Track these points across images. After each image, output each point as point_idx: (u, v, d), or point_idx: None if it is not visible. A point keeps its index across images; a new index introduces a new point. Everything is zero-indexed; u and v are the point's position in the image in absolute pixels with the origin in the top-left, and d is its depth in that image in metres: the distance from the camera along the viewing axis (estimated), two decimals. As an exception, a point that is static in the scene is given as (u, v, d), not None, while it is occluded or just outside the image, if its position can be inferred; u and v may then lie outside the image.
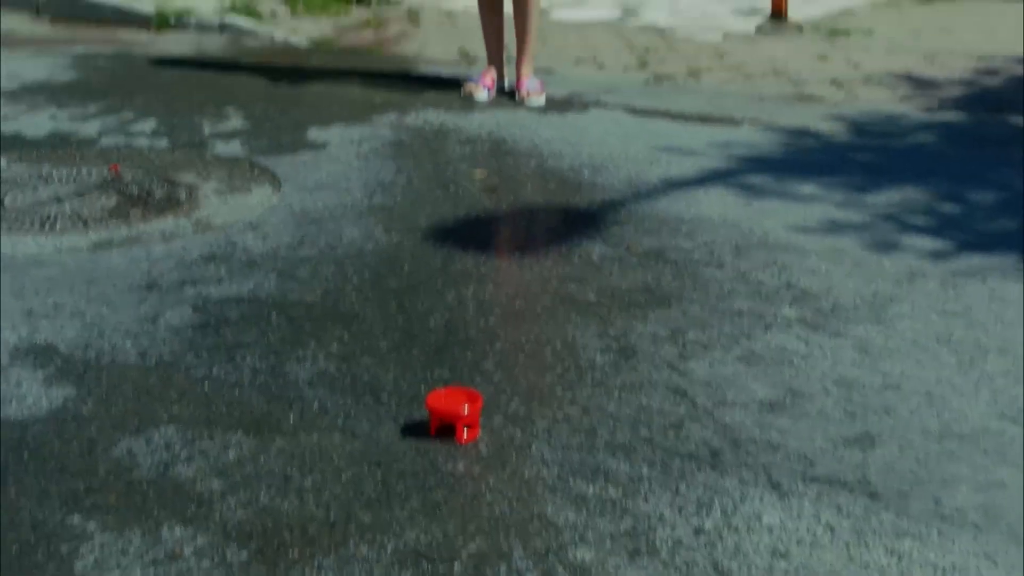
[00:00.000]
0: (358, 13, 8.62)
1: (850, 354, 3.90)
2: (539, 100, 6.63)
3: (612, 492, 3.15)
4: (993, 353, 3.91)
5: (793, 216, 5.09)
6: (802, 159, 5.87)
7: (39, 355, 3.85)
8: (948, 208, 5.25)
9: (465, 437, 3.36)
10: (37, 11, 8.82)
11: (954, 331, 4.06)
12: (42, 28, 8.57)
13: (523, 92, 6.66)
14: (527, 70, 6.74)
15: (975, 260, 4.66)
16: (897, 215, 5.14)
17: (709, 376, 3.76)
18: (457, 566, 2.86)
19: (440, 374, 3.74)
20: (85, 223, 4.94)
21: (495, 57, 6.84)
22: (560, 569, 2.85)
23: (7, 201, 5.15)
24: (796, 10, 8.79)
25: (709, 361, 3.85)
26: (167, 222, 4.97)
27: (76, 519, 3.02)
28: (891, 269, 4.57)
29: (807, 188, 5.43)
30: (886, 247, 4.78)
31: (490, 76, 6.80)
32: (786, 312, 4.19)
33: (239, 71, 7.35)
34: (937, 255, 4.71)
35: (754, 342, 3.97)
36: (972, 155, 6.00)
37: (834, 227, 4.99)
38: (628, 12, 9.16)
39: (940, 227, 5.01)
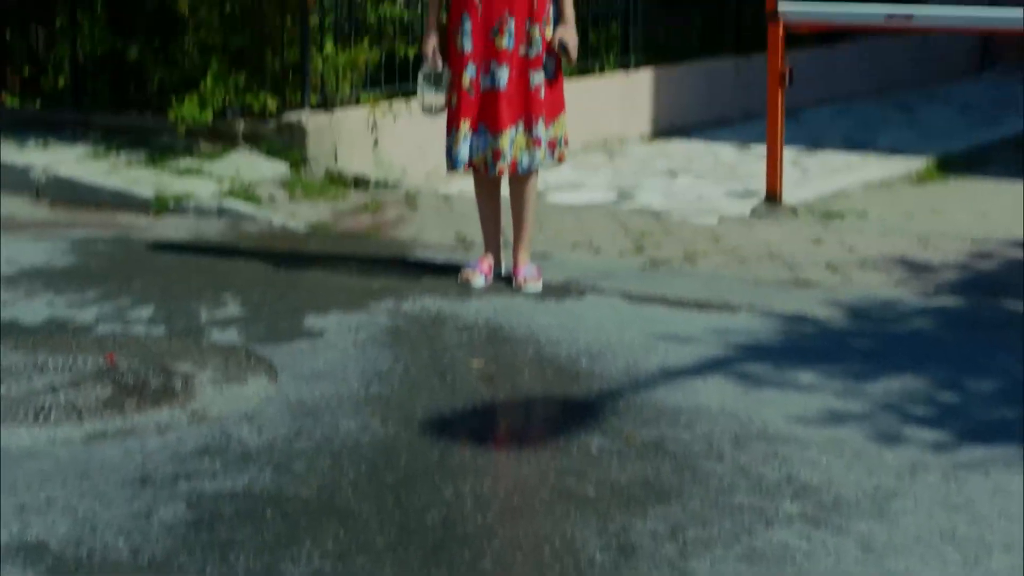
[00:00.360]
0: (356, 197, 8.68)
1: (853, 551, 3.85)
2: (536, 287, 6.65)
3: None
4: (998, 550, 3.86)
5: (792, 406, 5.07)
6: (800, 346, 5.87)
7: (30, 553, 3.80)
8: (948, 397, 5.23)
9: None
10: (37, 194, 8.88)
11: (957, 526, 4.01)
12: (42, 211, 8.63)
13: (520, 279, 6.68)
14: (524, 257, 6.77)
15: (977, 452, 4.63)
16: (897, 404, 5.12)
17: (710, 575, 3.70)
18: None
19: (438, 574, 3.68)
20: (79, 414, 4.92)
21: (492, 244, 6.88)
22: None
23: (2, 391, 5.13)
24: (790, 193, 8.87)
25: (711, 560, 3.80)
26: (162, 413, 4.94)
27: None
28: (892, 461, 4.53)
29: (806, 377, 5.42)
30: (887, 438, 4.75)
31: (487, 262, 6.82)
32: (787, 507, 4.15)
33: (237, 256, 7.38)
34: (938, 447, 4.68)
35: (755, 539, 3.93)
36: (970, 341, 6.01)
37: (834, 417, 4.97)
38: (623, 195, 9.24)
39: (940, 417, 4.99)
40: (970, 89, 15.13)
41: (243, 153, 9.13)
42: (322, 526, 3.97)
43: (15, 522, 3.99)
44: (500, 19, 6.53)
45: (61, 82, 10.30)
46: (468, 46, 6.57)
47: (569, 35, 6.60)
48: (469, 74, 6.58)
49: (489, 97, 6.59)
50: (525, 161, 6.63)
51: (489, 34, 6.55)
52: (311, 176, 8.99)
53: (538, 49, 6.56)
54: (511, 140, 6.59)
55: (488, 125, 6.59)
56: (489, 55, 6.56)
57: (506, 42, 6.55)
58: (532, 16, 6.56)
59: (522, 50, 6.56)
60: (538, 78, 6.59)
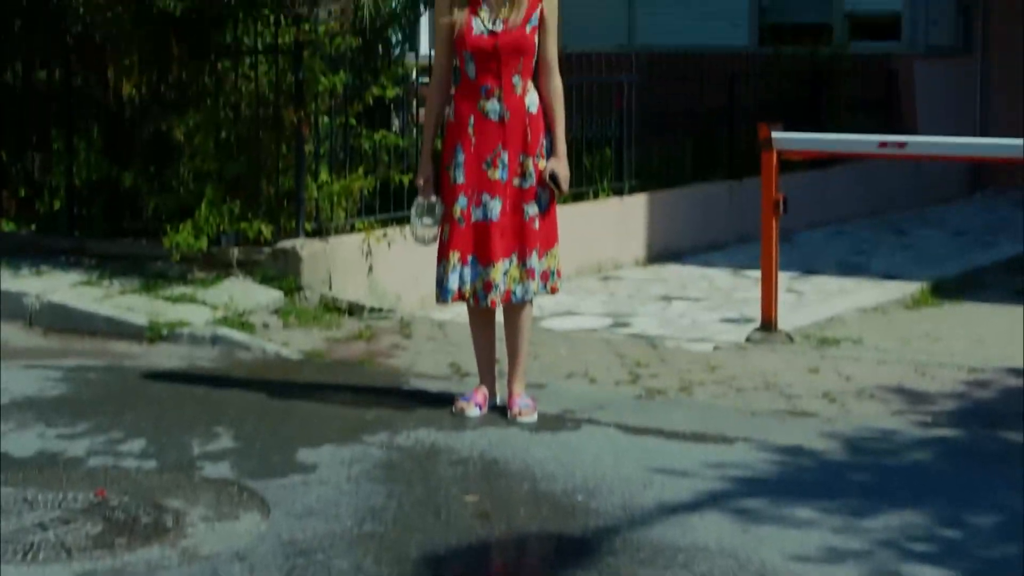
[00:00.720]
0: (350, 324, 8.66)
1: None
2: (531, 418, 6.61)
3: None
4: None
5: (790, 543, 5.01)
6: (798, 480, 5.82)
7: None
8: (948, 533, 5.18)
9: None
10: (30, 321, 8.85)
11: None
12: (35, 339, 8.60)
13: (515, 410, 6.64)
14: (519, 388, 6.73)
15: (979, 592, 4.56)
16: (896, 541, 5.07)
17: None
18: None
19: None
20: (69, 552, 4.85)
21: (486, 374, 6.85)
22: None
23: (-9, 529, 5.07)
24: (785, 319, 8.86)
25: None
26: (152, 552, 4.88)
27: None
28: (893, 603, 4.47)
29: (804, 512, 5.37)
30: (887, 578, 4.69)
31: (481, 393, 6.79)
32: (788, 652, 4.07)
33: (231, 385, 7.34)
34: (940, 587, 4.62)
35: None
36: (969, 474, 5.96)
37: (833, 555, 4.91)
38: (618, 321, 9.23)
39: (941, 554, 4.93)
40: (962, 212, 15.23)
41: (237, 280, 9.12)
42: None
43: (1, 669, 3.92)
44: (494, 152, 6.54)
45: (56, 205, 10.33)
46: (460, 177, 6.57)
47: (561, 167, 6.61)
48: (460, 205, 6.57)
49: (481, 229, 6.58)
50: (519, 292, 6.60)
51: (482, 166, 6.55)
52: (305, 303, 8.98)
53: (532, 181, 6.57)
54: (504, 272, 6.57)
55: (479, 257, 6.58)
56: (482, 187, 6.56)
57: (499, 174, 6.55)
58: (526, 149, 6.56)
59: (516, 182, 6.55)
60: (532, 210, 6.59)
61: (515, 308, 6.71)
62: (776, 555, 4.89)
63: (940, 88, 16.53)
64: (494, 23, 6.49)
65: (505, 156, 6.54)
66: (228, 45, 9.66)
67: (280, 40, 9.47)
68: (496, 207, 6.55)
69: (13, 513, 5.25)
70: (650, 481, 5.73)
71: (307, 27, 9.32)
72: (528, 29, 6.52)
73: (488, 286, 6.56)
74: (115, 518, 5.22)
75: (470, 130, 6.56)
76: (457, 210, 6.58)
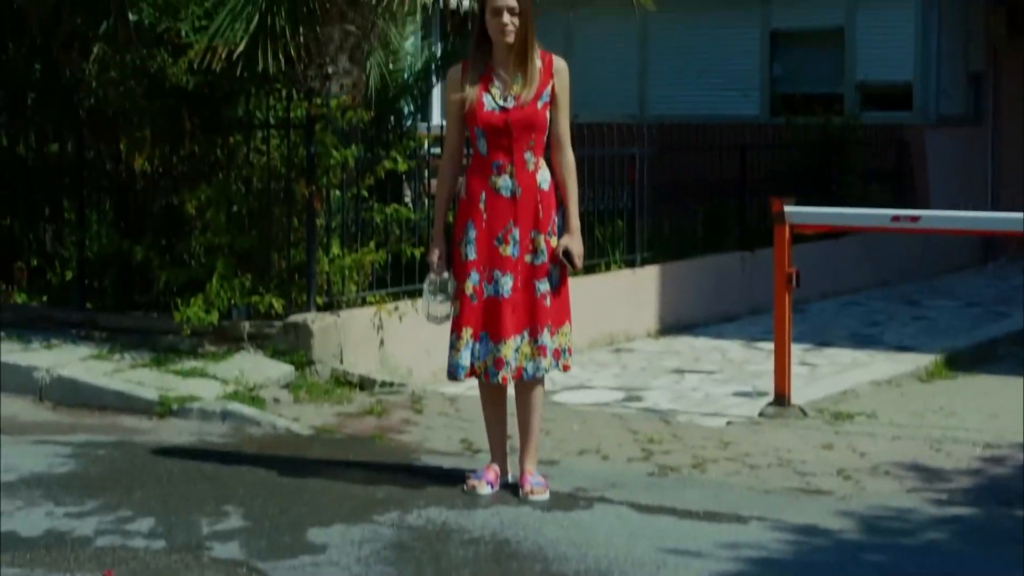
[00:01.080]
0: (361, 399, 8.63)
1: None
2: (543, 497, 6.55)
3: None
4: None
5: (807, 628, 4.94)
6: (812, 561, 5.76)
7: None
8: (965, 617, 5.11)
9: None
10: (40, 396, 8.84)
11: None
12: (44, 413, 8.58)
13: (527, 488, 6.58)
14: (531, 466, 6.68)
15: None
16: (914, 625, 5.00)
17: None
18: None
19: None
20: (76, 638, 4.79)
21: (498, 452, 6.80)
22: None
23: (-3, 612, 5.02)
24: (798, 392, 8.81)
25: None
26: (161, 637, 4.82)
27: None
28: None
29: (819, 595, 5.30)
30: (905, 664, 4.62)
31: (493, 471, 6.74)
32: None
33: (240, 462, 7.30)
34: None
35: None
36: (986, 554, 5.90)
37: (849, 640, 4.84)
38: (631, 395, 9.19)
39: (959, 640, 4.86)
40: (974, 282, 15.20)
41: (248, 354, 9.11)
42: None
43: None
44: (505, 228, 6.52)
45: (68, 276, 10.35)
46: (472, 254, 6.55)
47: (575, 244, 6.58)
48: (472, 281, 6.54)
49: (492, 305, 6.53)
50: (531, 369, 6.56)
51: (493, 242, 6.53)
52: (316, 377, 8.95)
53: (543, 258, 6.52)
54: (515, 348, 6.52)
55: (490, 333, 6.54)
56: (493, 263, 6.54)
57: (511, 250, 6.53)
58: (537, 226, 6.52)
59: (527, 258, 6.52)
60: (544, 286, 6.54)
61: (527, 385, 6.66)
62: (792, 640, 4.83)
63: (951, 157, 16.55)
64: (505, 99, 6.48)
65: (516, 232, 6.50)
66: (240, 119, 9.69)
67: (292, 114, 9.49)
68: (507, 283, 6.51)
69: (20, 596, 5.21)
70: (663, 562, 5.67)
71: (319, 101, 9.36)
72: (540, 105, 6.50)
73: (499, 363, 6.52)
74: (123, 601, 5.16)
75: (481, 206, 6.53)
76: (469, 286, 6.54)
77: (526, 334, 6.53)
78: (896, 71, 16.31)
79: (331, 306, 9.33)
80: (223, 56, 9.10)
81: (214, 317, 9.08)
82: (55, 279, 10.56)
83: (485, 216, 6.53)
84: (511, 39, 6.42)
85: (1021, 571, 5.61)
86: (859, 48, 16.40)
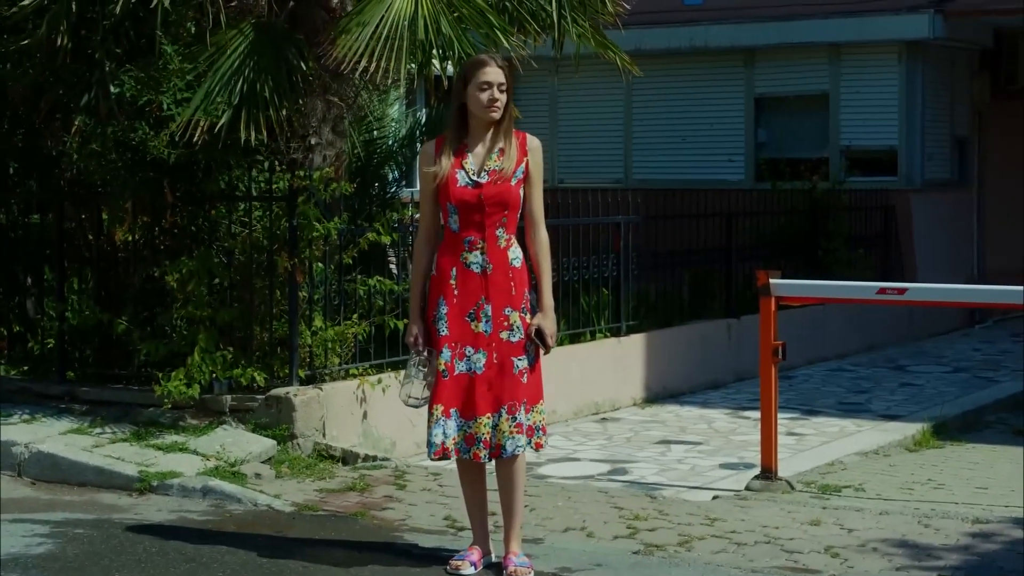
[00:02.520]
0: (343, 474, 8.54)
1: None
2: None
3: None
4: None
5: None
6: (800, 645, 5.67)
7: None
8: None
9: None
10: (19, 471, 8.74)
11: None
12: (22, 489, 8.47)
13: (510, 570, 6.49)
14: (515, 546, 6.58)
15: None
16: None
17: None
18: None
19: None
20: None
21: (479, 533, 6.71)
22: None
23: None
24: (785, 464, 8.75)
25: None
26: None
27: None
28: None
29: None
30: None
31: (476, 552, 6.64)
32: None
33: (220, 541, 7.19)
34: None
35: None
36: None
37: None
38: (616, 468, 9.12)
39: None
40: (961, 346, 15.20)
41: (230, 428, 9.02)
42: None
43: None
44: (476, 304, 6.42)
45: (50, 343, 10.27)
46: (444, 329, 6.47)
47: (548, 323, 6.47)
48: (444, 358, 6.45)
49: (464, 381, 6.44)
50: (509, 447, 6.42)
51: (465, 318, 6.43)
52: (299, 451, 8.87)
53: (520, 334, 6.43)
54: (491, 426, 6.42)
55: (462, 410, 6.46)
56: (465, 339, 6.43)
57: (483, 327, 6.42)
58: (511, 303, 6.44)
59: (503, 335, 6.42)
60: (522, 363, 6.44)
61: (506, 463, 6.54)
62: None
63: (937, 221, 16.59)
64: (479, 174, 6.40)
65: (489, 309, 6.40)
66: (222, 191, 9.64)
67: (275, 186, 9.45)
68: (480, 360, 6.41)
69: None
70: (649, 648, 5.58)
71: (302, 173, 9.32)
72: (514, 182, 6.42)
73: (471, 439, 6.42)
74: None
75: (452, 282, 6.43)
76: (441, 362, 6.43)
77: (504, 412, 6.40)
78: (881, 136, 16.37)
79: (314, 379, 9.25)
80: (205, 128, 9.06)
81: (195, 391, 8.99)
82: (36, 347, 10.47)
83: (456, 292, 6.43)
84: (498, 115, 6.38)
85: (1012, 654, 5.54)
86: (844, 113, 16.46)
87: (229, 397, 9.17)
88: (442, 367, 6.42)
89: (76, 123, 9.69)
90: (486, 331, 6.40)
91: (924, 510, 7.90)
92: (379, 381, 9.35)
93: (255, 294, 9.44)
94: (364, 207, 10.89)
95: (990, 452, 9.77)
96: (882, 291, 8.40)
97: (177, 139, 9.16)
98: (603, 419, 10.90)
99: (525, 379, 6.42)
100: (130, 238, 9.94)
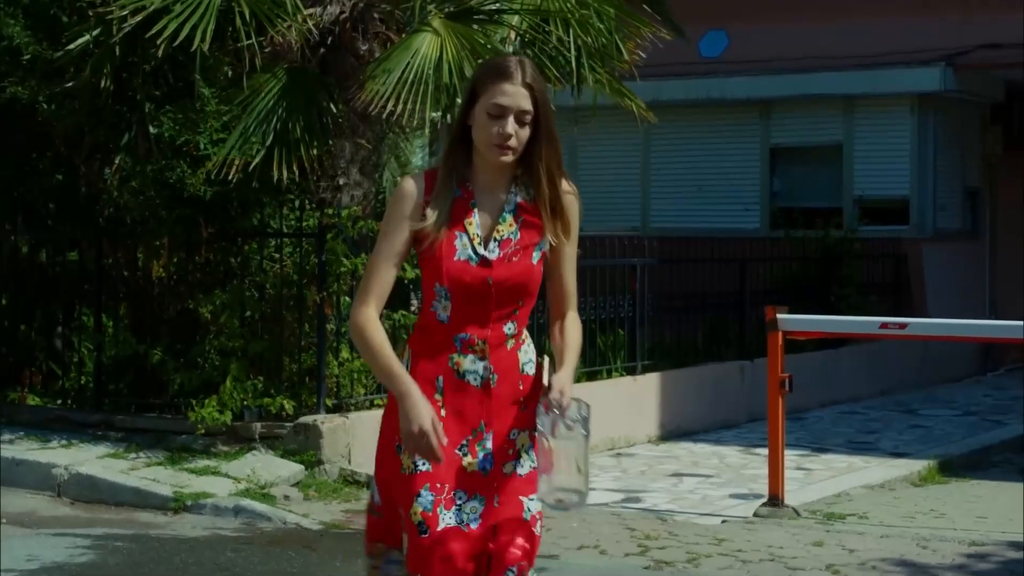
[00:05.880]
0: (368, 496, 8.91)
1: None
2: None
3: None
4: None
5: None
6: (799, 647, 6.01)
7: None
8: None
9: None
10: (58, 492, 9.13)
11: None
12: (62, 509, 8.86)
13: None
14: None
15: None
16: None
17: None
18: None
19: None
20: None
21: None
22: None
23: None
24: (793, 495, 9.09)
25: None
26: None
27: None
28: None
29: (803, 677, 5.55)
30: None
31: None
32: None
33: (253, 555, 7.58)
34: None
35: None
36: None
37: None
38: (630, 496, 9.45)
39: None
40: (972, 391, 15.46)
41: (260, 454, 9.41)
42: None
43: None
44: (474, 432, 4.16)
45: (84, 380, 10.68)
46: (423, 464, 4.12)
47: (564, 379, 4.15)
48: (422, 505, 4.10)
49: (450, 537, 4.11)
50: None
51: (456, 452, 4.15)
52: (325, 476, 9.25)
53: (531, 463, 4.19)
54: None
55: None
56: (455, 481, 4.15)
57: (480, 463, 4.15)
58: (519, 423, 4.18)
59: (507, 468, 4.17)
60: (534, 507, 4.16)
61: None
62: None
63: (949, 271, 16.89)
64: (487, 244, 4.14)
65: (490, 438, 4.17)
66: (255, 228, 10.08)
67: (304, 223, 9.88)
68: (477, 510, 4.13)
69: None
70: (656, 647, 5.94)
71: (331, 211, 9.75)
72: (537, 257, 4.19)
73: None
74: None
75: (438, 397, 4.15)
76: (417, 511, 4.08)
77: None
78: (893, 186, 16.71)
79: (340, 408, 9.65)
80: (239, 167, 9.50)
81: (227, 418, 9.40)
82: (69, 384, 10.89)
83: (444, 413, 4.14)
84: (509, 158, 4.10)
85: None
86: (857, 164, 16.81)
87: (259, 424, 9.57)
88: (417, 519, 4.07)
89: (116, 162, 10.15)
90: (484, 469, 4.15)
91: (924, 534, 8.24)
92: (403, 411, 9.71)
93: (285, 326, 9.86)
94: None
95: (993, 488, 10.07)
96: (884, 325, 8.77)
97: (212, 177, 9.60)
98: (618, 454, 11.23)
99: (538, 529, 4.17)
100: (165, 274, 10.39)
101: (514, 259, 4.15)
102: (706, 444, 11.77)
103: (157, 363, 10.04)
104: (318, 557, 7.53)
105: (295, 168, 9.72)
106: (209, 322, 9.89)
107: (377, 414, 9.61)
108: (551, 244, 4.20)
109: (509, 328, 4.18)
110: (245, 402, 9.54)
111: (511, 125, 4.06)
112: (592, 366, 11.59)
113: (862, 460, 11.01)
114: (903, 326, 8.72)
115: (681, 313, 13.24)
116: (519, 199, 4.18)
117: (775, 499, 8.81)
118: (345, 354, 9.76)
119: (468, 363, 4.14)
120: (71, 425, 10.24)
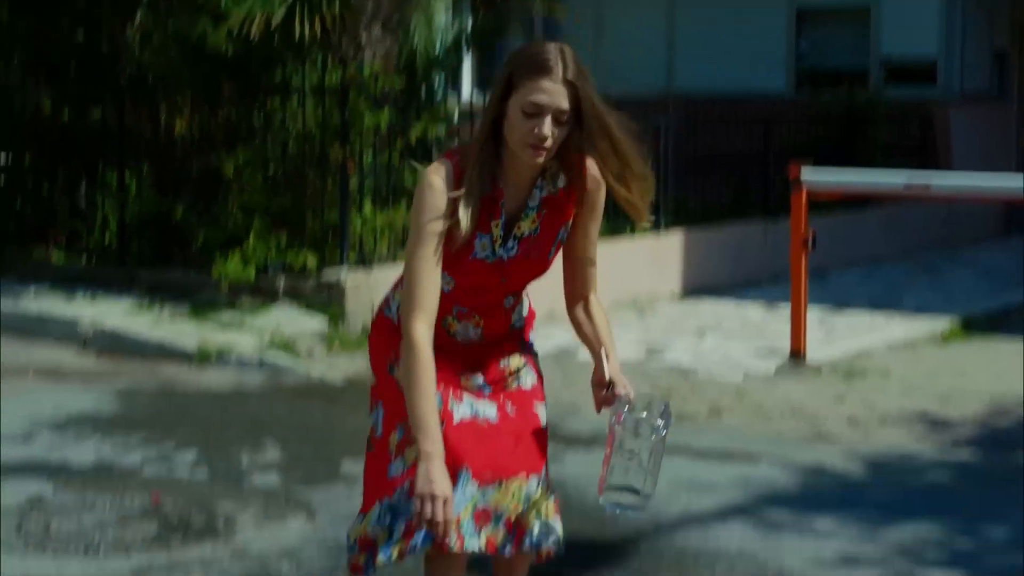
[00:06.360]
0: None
1: None
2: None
3: None
4: None
5: (809, 550, 5.27)
6: (819, 495, 6.07)
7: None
8: (961, 543, 5.42)
9: None
10: (84, 345, 9.20)
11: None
12: (88, 361, 8.94)
13: None
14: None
15: (985, 594, 4.81)
16: (911, 550, 5.31)
17: None
18: None
19: None
20: (127, 549, 5.15)
21: None
22: None
23: (53, 527, 5.37)
24: (815, 351, 9.12)
25: None
26: (205, 549, 5.17)
27: None
28: (904, 602, 4.72)
29: (823, 524, 5.61)
30: (899, 581, 4.94)
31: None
32: (801, 643, 4.34)
33: (277, 406, 7.65)
34: (949, 589, 4.87)
35: (769, 671, 4.12)
36: (985, 494, 6.19)
37: (849, 561, 5.16)
38: (652, 352, 9.49)
39: (953, 562, 5.17)
40: (995, 253, 15.40)
41: (283, 308, 9.46)
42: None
43: (65, 647, 4.22)
44: (463, 371, 3.95)
45: (107, 239, 10.72)
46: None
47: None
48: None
49: (473, 429, 3.87)
50: (542, 536, 3.84)
51: (458, 377, 3.94)
52: (349, 330, 9.30)
53: (533, 377, 4.05)
54: (523, 497, 3.84)
55: (476, 470, 3.79)
56: (458, 390, 3.92)
57: (476, 385, 3.94)
58: (510, 351, 4.01)
59: (511, 384, 4.00)
60: (543, 415, 4.01)
61: (522, 562, 3.99)
62: (795, 560, 5.15)
63: (976, 133, 16.75)
64: (507, 243, 3.82)
65: (480, 376, 3.93)
66: (277, 85, 10.03)
67: (327, 80, 9.83)
68: (490, 409, 3.91)
69: (74, 514, 5.56)
70: (677, 495, 6.00)
71: (353, 68, 9.68)
72: (554, 251, 3.90)
73: (484, 517, 3.80)
74: (169, 520, 5.52)
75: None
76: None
77: (542, 478, 3.88)
78: (921, 47, 16.53)
79: (363, 263, 9.67)
80: (261, 24, 9.43)
81: (251, 272, 9.44)
82: (92, 243, 10.93)
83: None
84: (543, 159, 3.73)
85: (1017, 508, 5.90)
86: (884, 24, 16.61)
87: (283, 280, 9.61)
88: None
89: (138, 18, 10.08)
90: (483, 389, 3.94)
91: (945, 391, 8.26)
92: (426, 267, 9.74)
93: (307, 183, 9.86)
94: (411, 107, 11.27)
95: (1015, 346, 10.07)
96: (908, 185, 8.72)
97: (234, 34, 9.54)
98: (641, 311, 11.26)
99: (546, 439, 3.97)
100: (187, 131, 10.37)
101: (531, 255, 3.86)
102: (729, 301, 11.78)
103: (180, 219, 10.07)
104: (341, 408, 7.60)
105: (317, 25, 9.65)
106: (232, 179, 9.89)
107: (399, 270, 9.68)
108: (575, 224, 3.86)
109: (508, 301, 3.97)
110: (268, 258, 9.58)
111: (548, 126, 3.68)
112: (616, 223, 11.57)
113: (884, 318, 11.02)
114: (927, 186, 8.66)
115: (705, 174, 13.19)
116: (544, 193, 3.83)
117: (797, 355, 8.85)
118: (368, 210, 9.77)
119: (461, 327, 3.91)
120: (95, 281, 10.30)
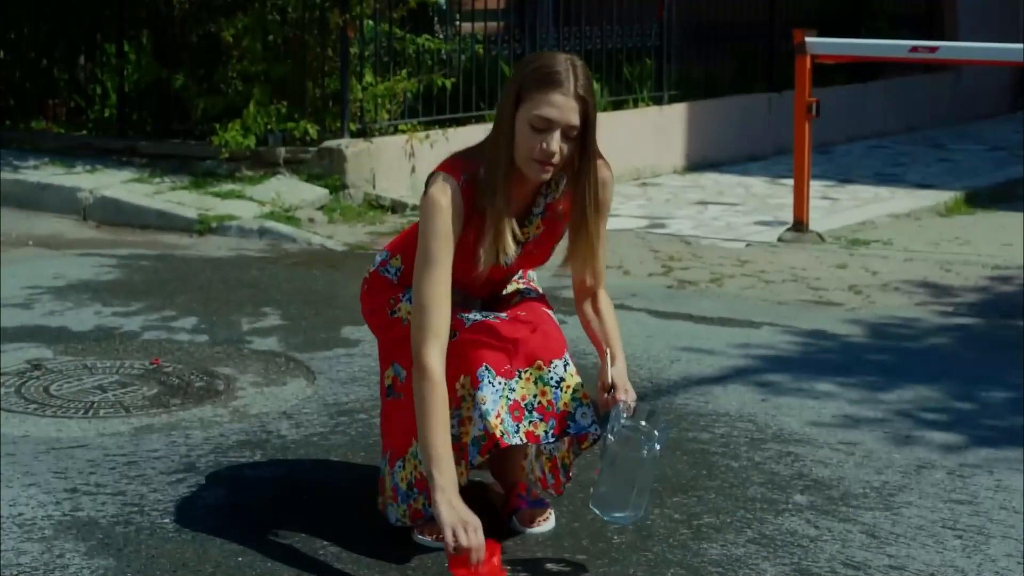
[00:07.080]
0: (392, 220, 8.95)
1: (858, 538, 4.05)
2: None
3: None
4: (996, 539, 4.05)
5: (808, 411, 5.27)
6: (819, 359, 6.07)
7: (81, 529, 4.03)
8: (960, 406, 5.42)
9: None
10: (84, 215, 9.17)
11: (960, 518, 4.21)
12: (88, 231, 8.92)
13: None
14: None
15: (983, 453, 4.82)
16: (910, 412, 5.32)
17: (721, 556, 3.91)
18: None
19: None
20: (127, 410, 5.16)
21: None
22: None
23: (53, 390, 5.38)
24: (818, 222, 9.09)
25: (722, 543, 4.00)
26: (205, 410, 5.18)
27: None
28: (901, 461, 4.73)
29: (823, 386, 5.62)
30: (898, 441, 4.95)
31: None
32: (797, 499, 4.35)
33: (277, 273, 7.64)
34: (947, 448, 4.88)
35: (765, 526, 4.13)
36: (985, 358, 6.19)
37: (848, 422, 5.17)
38: (655, 222, 9.46)
39: (951, 423, 5.18)
40: (1002, 128, 15.32)
41: (284, 178, 9.42)
42: (356, 510, 4.19)
43: (67, 503, 4.23)
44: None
45: (107, 113, 10.64)
46: None
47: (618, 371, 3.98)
48: None
49: (487, 327, 3.87)
50: (580, 418, 3.90)
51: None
52: (350, 200, 9.27)
53: (534, 292, 4.13)
54: (553, 380, 3.89)
55: (493, 363, 3.82)
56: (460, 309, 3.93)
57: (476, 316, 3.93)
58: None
59: (515, 299, 4.07)
60: (554, 314, 4.11)
61: (518, 453, 4.12)
62: (794, 421, 5.16)
63: (984, 7, 16.57)
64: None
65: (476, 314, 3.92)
66: (276, -52, 9.90)
67: (327, -55, 9.70)
68: (500, 312, 3.95)
69: (74, 377, 5.57)
70: (677, 358, 6.00)
71: (353, -68, 9.55)
72: (555, 247, 4.03)
73: (517, 409, 3.82)
74: (169, 382, 5.52)
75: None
76: None
77: (567, 362, 3.94)
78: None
79: (364, 133, 9.61)
80: None
81: (251, 141, 9.38)
82: (92, 115, 10.86)
83: None
84: (548, 175, 3.75)
85: (1016, 371, 5.91)
86: None
87: (283, 149, 9.55)
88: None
89: None
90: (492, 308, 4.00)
91: (947, 259, 8.25)
92: (427, 137, 9.70)
93: (308, 50, 9.76)
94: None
95: (1019, 218, 10.03)
96: (914, 49, 8.63)
97: None
98: (643, 184, 11.22)
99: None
100: (186, -2, 10.25)
101: (534, 253, 3.95)
102: (732, 174, 11.74)
103: (180, 88, 9.99)
104: (342, 276, 7.58)
105: None
106: (231, 46, 9.79)
107: (401, 139, 9.68)
108: (581, 221, 3.85)
109: (506, 280, 4.06)
110: (269, 126, 9.51)
111: (556, 141, 3.66)
112: (618, 95, 11.49)
113: (888, 191, 10.99)
114: (933, 49, 8.58)
115: (709, 45, 13.06)
116: (548, 200, 3.88)
117: (799, 224, 8.82)
118: (369, 78, 9.68)
119: (459, 298, 3.86)
120: (95, 151, 10.25)
